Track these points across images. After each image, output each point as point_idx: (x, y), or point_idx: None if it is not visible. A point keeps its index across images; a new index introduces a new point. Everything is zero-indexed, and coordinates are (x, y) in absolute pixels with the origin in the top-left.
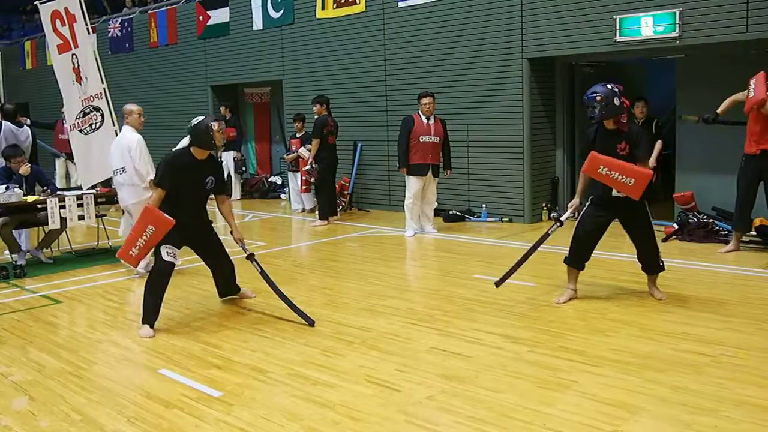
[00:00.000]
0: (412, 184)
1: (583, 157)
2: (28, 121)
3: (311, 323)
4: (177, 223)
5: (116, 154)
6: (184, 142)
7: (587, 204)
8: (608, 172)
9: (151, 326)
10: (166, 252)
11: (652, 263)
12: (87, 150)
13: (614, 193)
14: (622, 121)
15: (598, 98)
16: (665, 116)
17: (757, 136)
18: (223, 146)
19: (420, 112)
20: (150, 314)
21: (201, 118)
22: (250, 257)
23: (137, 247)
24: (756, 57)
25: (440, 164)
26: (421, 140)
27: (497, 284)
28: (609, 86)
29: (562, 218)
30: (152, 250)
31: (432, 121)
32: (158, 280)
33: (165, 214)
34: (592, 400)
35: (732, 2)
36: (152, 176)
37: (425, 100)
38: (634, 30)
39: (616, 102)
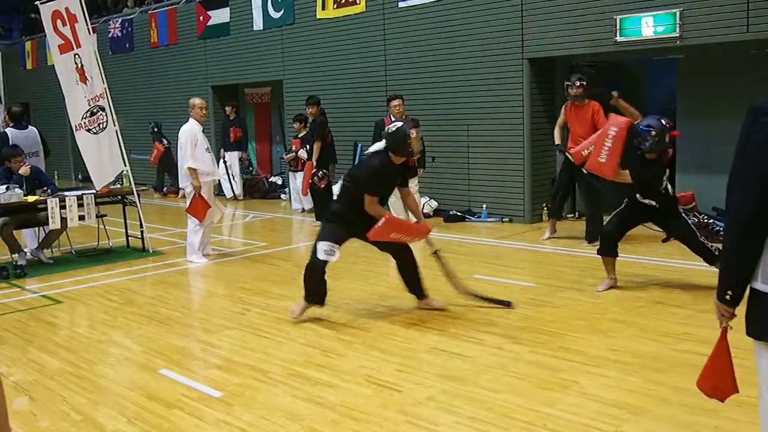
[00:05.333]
0: None
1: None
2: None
3: (508, 304)
4: (352, 219)
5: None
6: (378, 146)
7: (624, 203)
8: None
9: (310, 303)
10: (323, 250)
11: (702, 253)
12: (97, 150)
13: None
14: (666, 155)
15: (653, 134)
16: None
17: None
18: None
19: (391, 114)
20: (311, 295)
21: (399, 125)
22: (436, 254)
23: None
24: (756, 57)
25: (415, 164)
26: None
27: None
28: (663, 122)
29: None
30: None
31: None
32: (313, 272)
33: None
34: (593, 401)
35: (732, 2)
36: (190, 164)
37: (394, 103)
38: (635, 30)
39: (666, 139)
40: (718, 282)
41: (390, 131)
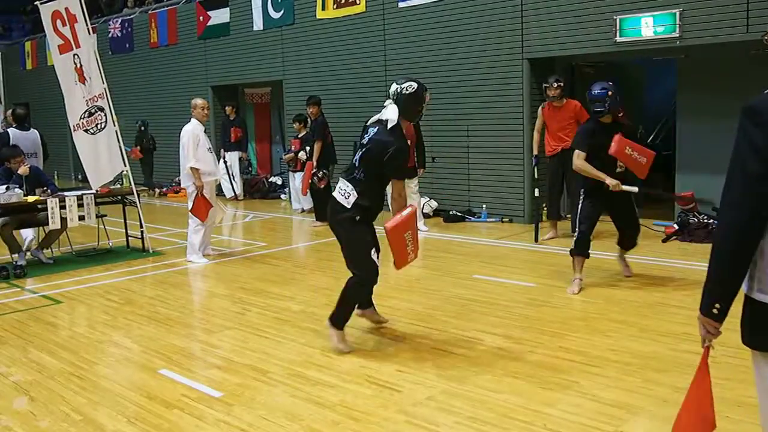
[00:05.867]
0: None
1: (582, 147)
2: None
3: None
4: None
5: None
6: (388, 114)
7: (582, 197)
8: (631, 152)
9: (340, 329)
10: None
11: (631, 243)
12: (95, 150)
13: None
14: (619, 115)
15: (610, 93)
16: (665, 117)
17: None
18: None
19: None
20: (341, 321)
21: (414, 84)
22: None
23: (411, 251)
24: (756, 57)
25: (415, 164)
26: None
27: None
28: (609, 83)
29: None
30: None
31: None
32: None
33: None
34: (593, 401)
35: (732, 3)
36: (192, 164)
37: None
38: (635, 30)
39: (617, 98)
40: (703, 295)
41: (407, 92)
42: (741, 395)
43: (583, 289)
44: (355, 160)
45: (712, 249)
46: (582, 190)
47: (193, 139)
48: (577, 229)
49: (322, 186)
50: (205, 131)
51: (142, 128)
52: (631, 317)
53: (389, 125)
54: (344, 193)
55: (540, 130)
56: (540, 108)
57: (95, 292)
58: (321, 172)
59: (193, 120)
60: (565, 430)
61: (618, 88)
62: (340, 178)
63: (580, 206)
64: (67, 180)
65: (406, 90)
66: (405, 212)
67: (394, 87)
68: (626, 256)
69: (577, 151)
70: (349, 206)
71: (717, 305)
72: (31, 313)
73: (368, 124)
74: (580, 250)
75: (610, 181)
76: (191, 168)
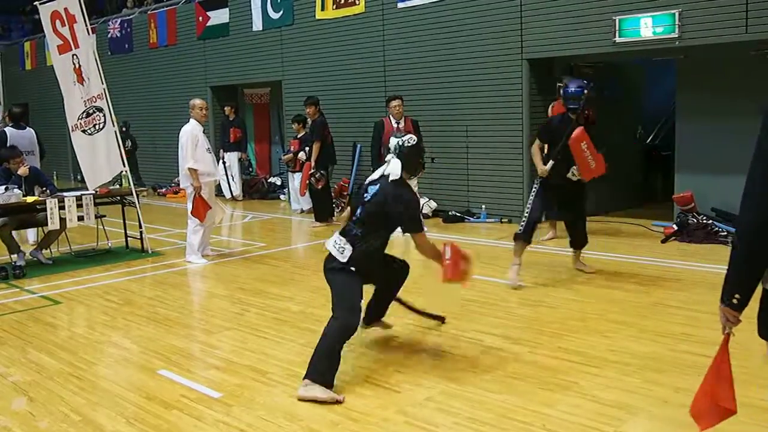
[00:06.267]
0: None
1: (542, 138)
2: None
3: (442, 320)
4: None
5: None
6: (391, 169)
7: (537, 186)
8: (585, 149)
9: (331, 386)
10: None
11: (582, 239)
12: (92, 151)
13: (570, 175)
14: (587, 114)
15: (586, 92)
16: (664, 117)
17: None
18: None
19: (390, 115)
20: (329, 373)
21: (414, 139)
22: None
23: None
24: (755, 58)
25: None
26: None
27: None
28: (585, 82)
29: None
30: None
31: (402, 124)
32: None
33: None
34: (592, 401)
35: (731, 3)
36: (190, 165)
37: (394, 103)
38: (634, 31)
39: (592, 97)
40: (724, 286)
41: (409, 144)
42: (741, 395)
43: (520, 282)
44: (356, 217)
45: (732, 245)
46: (537, 180)
47: (191, 139)
48: (526, 216)
49: (320, 186)
50: (204, 131)
51: (124, 129)
52: (630, 318)
53: (392, 178)
54: (339, 248)
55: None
56: (550, 106)
57: (94, 293)
58: (318, 173)
59: (192, 120)
60: (565, 430)
61: (594, 88)
62: (336, 233)
63: (533, 195)
64: (66, 181)
65: (408, 142)
66: (446, 256)
67: (394, 141)
68: (582, 255)
69: (537, 140)
70: (344, 260)
71: (737, 296)
72: (30, 313)
73: (367, 182)
74: (525, 237)
75: (540, 168)
76: (189, 169)
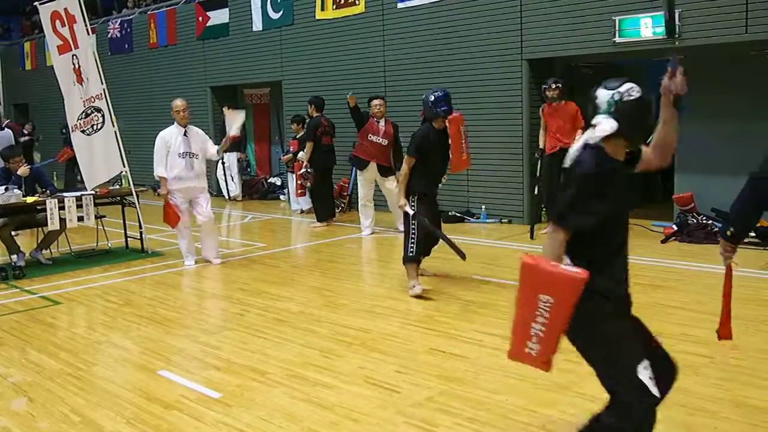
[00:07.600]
0: (360, 183)
1: (412, 153)
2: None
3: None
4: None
5: None
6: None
7: (415, 202)
8: (463, 138)
9: None
10: (648, 375)
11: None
12: (90, 151)
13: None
14: (446, 123)
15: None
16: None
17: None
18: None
19: (372, 114)
20: None
21: None
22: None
23: (535, 338)
24: (755, 58)
25: (392, 166)
26: (369, 138)
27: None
28: (442, 92)
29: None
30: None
31: (382, 124)
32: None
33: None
34: (592, 402)
35: (731, 3)
36: (158, 173)
37: (375, 102)
38: (634, 31)
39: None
40: (725, 223)
41: (632, 98)
42: (739, 396)
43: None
44: None
45: (737, 197)
46: (414, 195)
47: (164, 146)
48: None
49: (309, 184)
50: (204, 131)
51: (63, 131)
52: None
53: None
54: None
55: (545, 128)
56: (540, 109)
57: (94, 293)
58: (305, 171)
59: (174, 124)
60: (564, 430)
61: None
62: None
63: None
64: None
65: (628, 95)
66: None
67: (605, 93)
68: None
69: (407, 156)
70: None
71: (731, 229)
72: (30, 313)
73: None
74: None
75: (402, 200)
76: (158, 176)
